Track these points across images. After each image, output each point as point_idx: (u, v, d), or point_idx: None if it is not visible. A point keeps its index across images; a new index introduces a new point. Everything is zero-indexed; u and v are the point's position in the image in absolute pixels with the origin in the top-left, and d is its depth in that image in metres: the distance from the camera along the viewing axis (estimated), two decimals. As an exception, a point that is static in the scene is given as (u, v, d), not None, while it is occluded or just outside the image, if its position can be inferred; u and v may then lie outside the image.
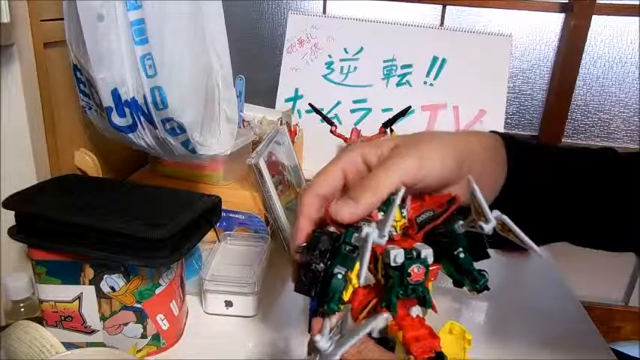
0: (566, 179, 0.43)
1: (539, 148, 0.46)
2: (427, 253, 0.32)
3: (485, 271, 0.33)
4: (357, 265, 0.31)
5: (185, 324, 0.59)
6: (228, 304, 0.61)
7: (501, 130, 1.08)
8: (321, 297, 0.32)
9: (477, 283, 0.33)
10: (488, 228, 0.32)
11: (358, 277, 0.30)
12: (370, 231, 0.30)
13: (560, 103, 1.39)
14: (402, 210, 0.35)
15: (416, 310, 0.32)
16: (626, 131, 1.43)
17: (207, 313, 0.62)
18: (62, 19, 0.57)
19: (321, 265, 0.33)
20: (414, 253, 0.31)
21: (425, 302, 0.32)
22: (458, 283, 0.34)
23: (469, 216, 0.33)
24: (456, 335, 0.32)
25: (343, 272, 0.32)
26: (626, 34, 1.34)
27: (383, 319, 0.32)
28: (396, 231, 0.34)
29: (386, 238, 0.31)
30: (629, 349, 0.86)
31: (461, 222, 0.34)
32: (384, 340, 0.32)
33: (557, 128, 1.42)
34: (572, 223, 0.45)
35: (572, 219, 0.44)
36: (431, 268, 0.32)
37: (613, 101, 1.41)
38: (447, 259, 0.34)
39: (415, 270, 0.31)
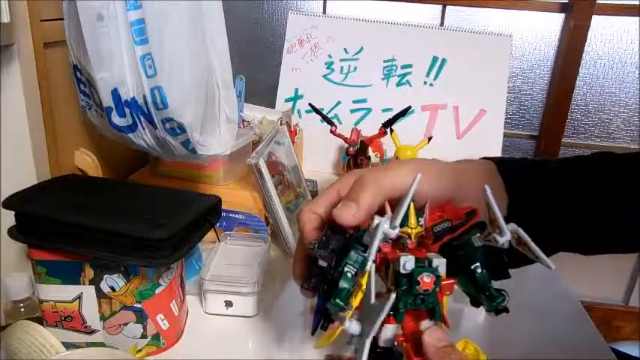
0: (565, 193, 0.43)
1: (533, 166, 0.46)
2: (439, 262, 0.31)
3: (504, 291, 0.32)
4: (367, 269, 0.31)
5: (185, 324, 0.59)
6: (228, 304, 0.61)
7: (501, 130, 1.09)
8: (329, 294, 0.31)
9: (493, 301, 0.31)
10: (502, 240, 0.31)
11: (365, 267, 0.30)
12: (382, 220, 0.31)
13: (560, 103, 1.39)
14: (420, 218, 0.34)
15: (426, 324, 0.31)
16: (626, 131, 1.43)
17: (207, 313, 0.62)
18: (62, 19, 0.57)
19: (332, 263, 0.32)
20: (426, 262, 0.31)
21: (434, 314, 0.31)
22: (475, 302, 0.33)
23: (485, 229, 0.33)
24: (469, 354, 0.31)
25: (353, 272, 0.31)
26: (626, 34, 1.34)
27: (390, 329, 0.31)
28: (411, 239, 0.33)
29: (397, 230, 0.31)
30: (629, 349, 0.85)
31: (478, 235, 0.33)
32: (389, 351, 0.32)
33: (557, 128, 1.42)
34: (576, 235, 0.45)
35: (576, 231, 0.44)
36: (446, 282, 0.32)
37: (613, 101, 1.41)
38: (463, 274, 0.32)
39: (425, 278, 0.30)
